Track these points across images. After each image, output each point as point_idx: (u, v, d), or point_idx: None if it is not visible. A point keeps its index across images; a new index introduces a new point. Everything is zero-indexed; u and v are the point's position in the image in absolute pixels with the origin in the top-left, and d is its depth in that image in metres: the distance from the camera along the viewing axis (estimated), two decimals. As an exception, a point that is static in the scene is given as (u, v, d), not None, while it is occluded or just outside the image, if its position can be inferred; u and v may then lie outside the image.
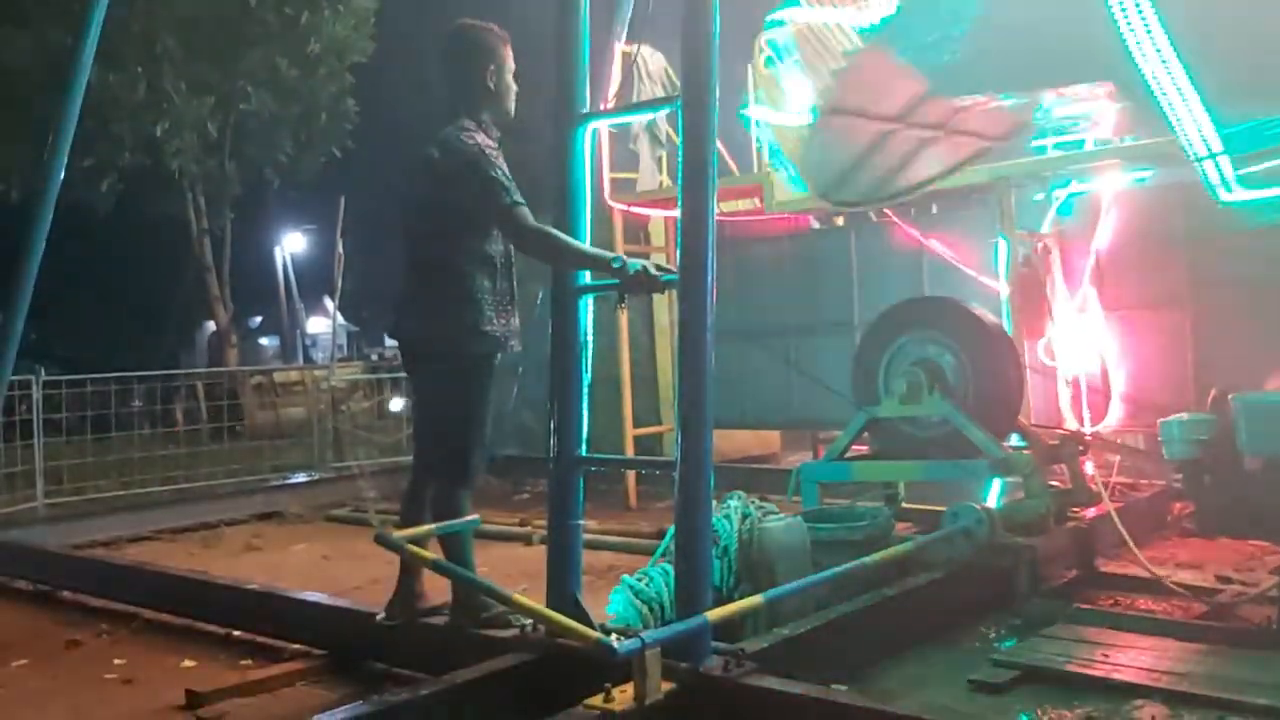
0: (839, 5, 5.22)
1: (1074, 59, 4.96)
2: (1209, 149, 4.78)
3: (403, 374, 17.19)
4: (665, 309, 10.26)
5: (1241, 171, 5.02)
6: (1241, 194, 5.09)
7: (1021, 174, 7.54)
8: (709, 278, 3.60)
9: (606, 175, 9.09)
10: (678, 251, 3.69)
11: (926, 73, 5.23)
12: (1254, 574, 5.53)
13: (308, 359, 34.78)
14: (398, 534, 3.99)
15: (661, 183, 9.37)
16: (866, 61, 5.17)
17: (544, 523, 4.36)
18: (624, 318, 9.07)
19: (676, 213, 3.71)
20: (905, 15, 4.90)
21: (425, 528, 4.12)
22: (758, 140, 6.13)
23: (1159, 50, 4.41)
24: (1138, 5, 4.34)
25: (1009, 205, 7.43)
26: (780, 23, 5.60)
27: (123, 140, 17.66)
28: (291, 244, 35.98)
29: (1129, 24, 4.39)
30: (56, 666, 5.10)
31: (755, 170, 9.50)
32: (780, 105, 5.72)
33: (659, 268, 3.78)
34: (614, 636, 3.40)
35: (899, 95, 5.54)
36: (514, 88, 4.29)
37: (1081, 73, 5.33)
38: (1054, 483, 6.11)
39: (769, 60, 5.67)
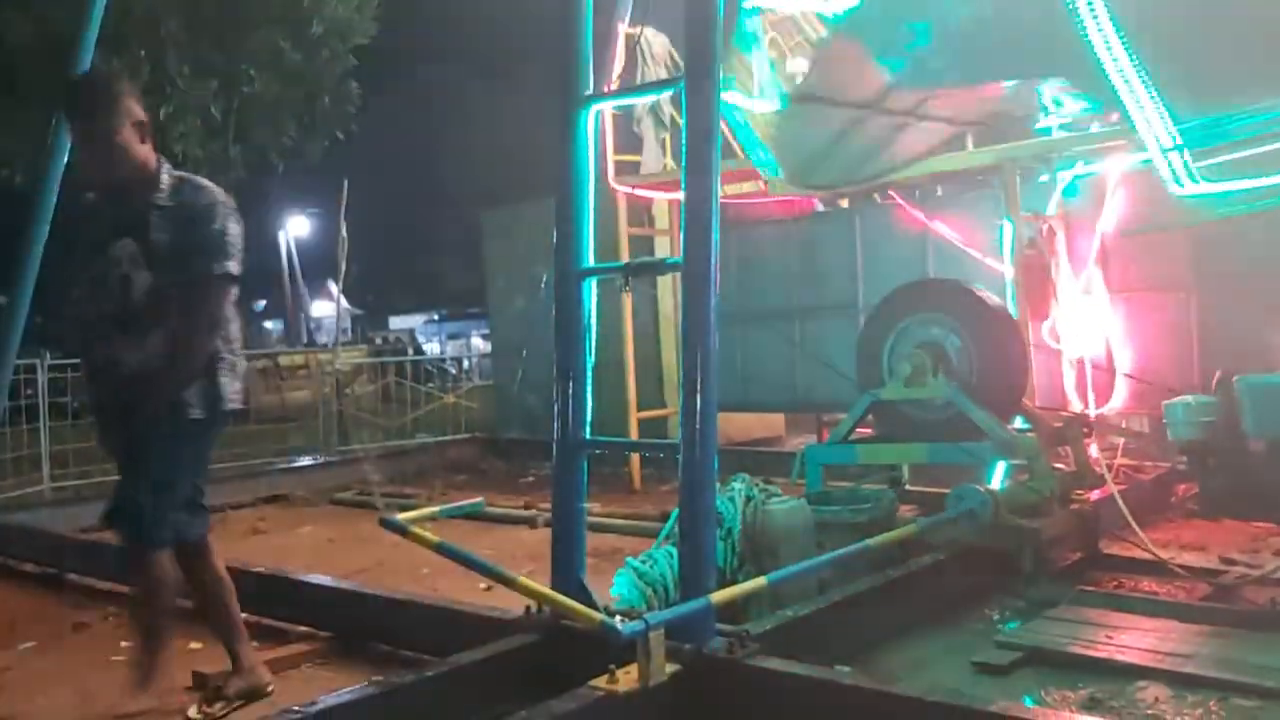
0: None
1: (1029, 54, 4.94)
2: (1171, 143, 4.81)
3: (409, 358, 17.23)
4: (669, 292, 10.26)
5: (1199, 164, 5.05)
6: (1198, 188, 5.13)
7: (1027, 156, 7.51)
8: (712, 260, 3.60)
9: (610, 158, 9.08)
10: (681, 234, 3.69)
11: (889, 66, 5.22)
12: (1258, 556, 5.52)
13: (312, 342, 34.81)
14: (402, 517, 4.00)
15: (665, 165, 9.34)
16: (835, 51, 5.16)
17: (548, 506, 4.36)
18: (628, 301, 9.07)
19: (680, 195, 3.71)
20: (868, 8, 4.89)
21: (429, 509, 4.14)
22: (733, 126, 6.10)
23: (1112, 45, 4.42)
24: (1090, 2, 4.34)
25: (1014, 187, 7.40)
26: (755, 11, 5.58)
27: (126, 124, 17.63)
28: (295, 227, 36.01)
29: (1088, 17, 4.39)
30: (63, 648, 5.13)
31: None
32: (753, 91, 5.73)
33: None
34: (618, 618, 3.41)
35: (870, 82, 5.52)
36: None
37: (1038, 67, 5.30)
38: (1058, 465, 6.11)
39: (744, 47, 5.67)
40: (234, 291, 4.00)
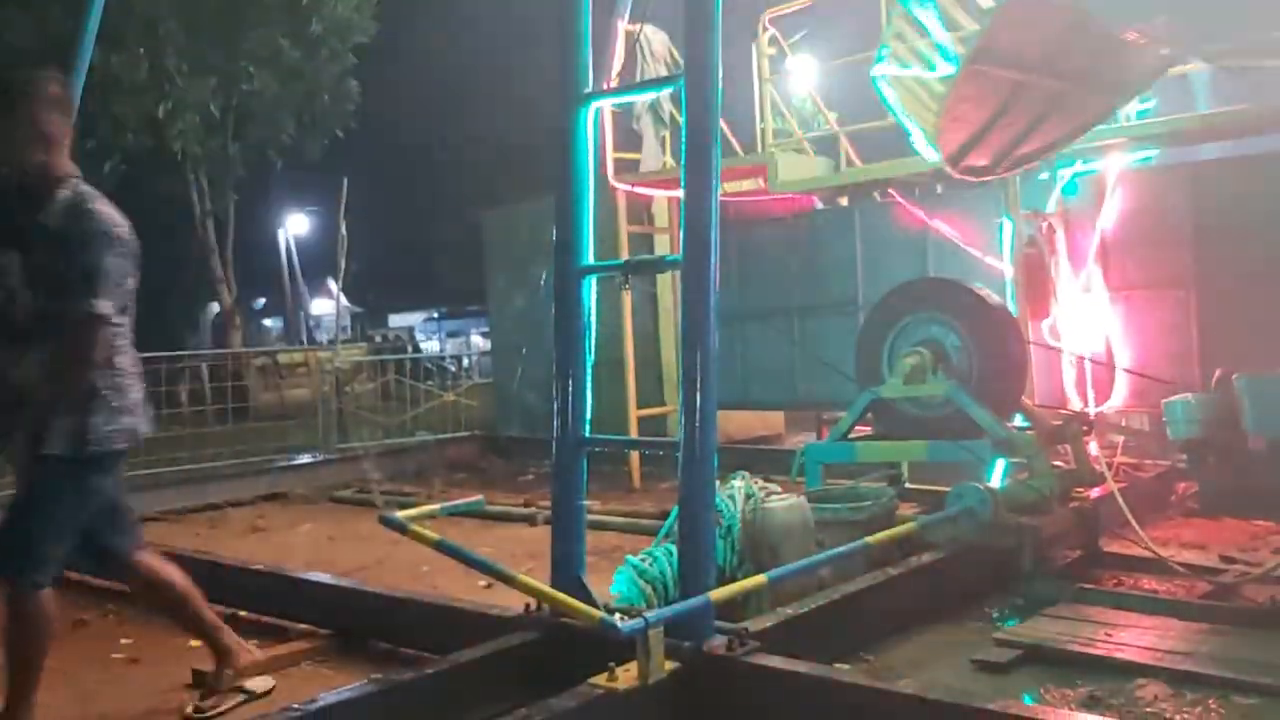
0: None
1: None
2: None
3: (408, 356, 17.24)
4: (669, 290, 10.26)
5: None
6: None
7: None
8: (712, 258, 3.60)
9: (610, 155, 9.08)
10: (681, 232, 3.69)
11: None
12: (1257, 554, 5.52)
13: (312, 340, 34.86)
14: (402, 514, 4.00)
15: (665, 163, 9.35)
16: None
17: (548, 503, 4.36)
18: (628, 299, 9.08)
19: (680, 193, 3.70)
20: None
21: (429, 507, 4.13)
22: (886, 104, 5.52)
23: None
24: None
25: (1014, 185, 7.41)
26: None
27: (125, 121, 17.64)
28: (295, 225, 36.00)
29: None
30: (63, 646, 5.07)
31: (759, 150, 9.48)
32: (919, 59, 5.31)
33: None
34: (618, 616, 3.41)
35: (1049, 38, 5.15)
36: None
37: None
38: (1058, 463, 6.11)
39: (906, 3, 5.26)
40: (113, 329, 3.60)
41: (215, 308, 26.18)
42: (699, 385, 3.56)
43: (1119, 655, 4.02)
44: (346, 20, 19.56)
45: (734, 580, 4.23)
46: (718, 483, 3.95)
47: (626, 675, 3.26)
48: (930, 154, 5.71)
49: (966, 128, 5.56)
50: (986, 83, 5.22)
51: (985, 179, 6.31)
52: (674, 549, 4.10)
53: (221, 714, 4.04)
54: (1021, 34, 5.03)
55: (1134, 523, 5.38)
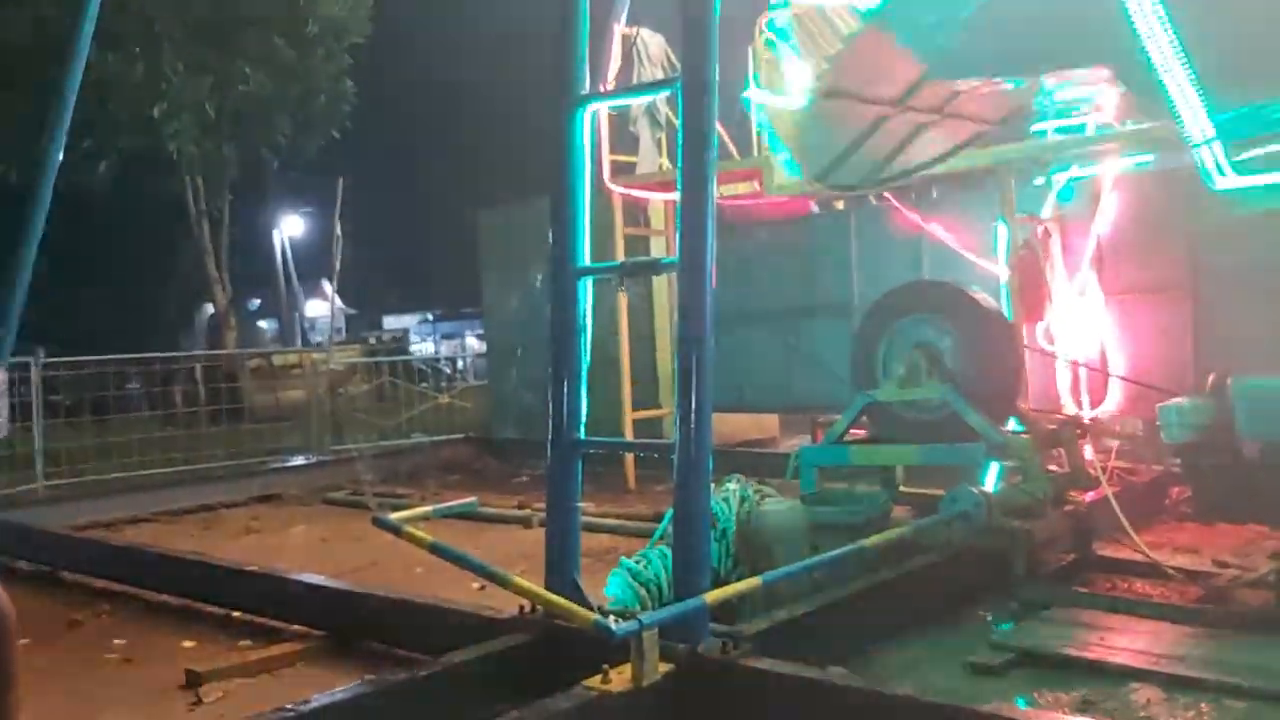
0: None
1: (1073, 42, 4.91)
2: (1203, 134, 4.74)
3: (402, 356, 17.17)
4: (665, 292, 10.26)
5: (1236, 158, 4.98)
6: (1234, 180, 5.05)
7: (1022, 158, 7.52)
8: (708, 261, 3.60)
9: (606, 158, 9.08)
10: (677, 234, 3.69)
11: (925, 56, 5.16)
12: (1251, 558, 5.53)
13: (306, 342, 34.76)
14: (396, 516, 4.00)
15: (661, 165, 9.36)
16: (865, 44, 5.08)
17: (543, 505, 4.36)
18: (623, 301, 9.08)
19: (676, 195, 3.71)
20: None
21: (422, 509, 4.13)
22: (758, 125, 5.96)
23: (1158, 32, 4.38)
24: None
25: (1009, 189, 7.42)
26: (784, 3, 5.49)
27: (120, 121, 17.59)
28: (290, 226, 35.92)
29: (1134, 5, 4.37)
30: (57, 646, 5.12)
31: (755, 154, 9.49)
32: (779, 88, 5.61)
33: None
34: (612, 618, 3.41)
35: (897, 78, 5.47)
36: None
37: (1081, 56, 5.28)
38: (1052, 467, 6.12)
39: (769, 43, 5.58)
40: None
41: (210, 309, 26.06)
42: (694, 388, 3.57)
43: (1112, 659, 4.02)
44: (342, 20, 19.52)
45: (728, 583, 4.24)
46: (712, 485, 3.95)
47: (620, 677, 3.26)
48: (793, 174, 5.98)
49: (827, 153, 5.81)
50: (842, 115, 5.44)
51: (858, 193, 6.55)
52: (668, 551, 4.09)
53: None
54: (869, 77, 5.27)
55: (1128, 527, 5.38)
